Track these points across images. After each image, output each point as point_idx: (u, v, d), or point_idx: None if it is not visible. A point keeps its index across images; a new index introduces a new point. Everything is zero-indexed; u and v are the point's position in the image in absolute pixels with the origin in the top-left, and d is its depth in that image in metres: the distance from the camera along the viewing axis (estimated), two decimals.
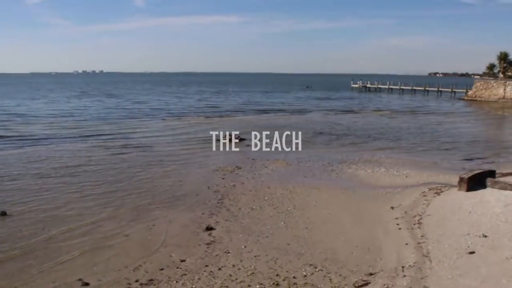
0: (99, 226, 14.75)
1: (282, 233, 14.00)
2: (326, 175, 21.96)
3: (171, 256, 12.30)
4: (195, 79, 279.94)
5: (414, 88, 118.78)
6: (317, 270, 11.32)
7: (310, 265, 11.62)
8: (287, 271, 11.25)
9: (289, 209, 16.35)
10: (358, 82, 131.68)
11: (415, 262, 11.50)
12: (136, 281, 10.83)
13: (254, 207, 16.59)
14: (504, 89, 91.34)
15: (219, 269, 11.43)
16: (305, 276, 10.99)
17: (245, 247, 12.86)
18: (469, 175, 18.58)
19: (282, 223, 14.85)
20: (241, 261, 11.91)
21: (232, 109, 62.56)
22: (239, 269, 11.41)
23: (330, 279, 10.79)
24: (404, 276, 10.75)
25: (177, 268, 11.53)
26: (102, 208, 16.56)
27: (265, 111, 59.60)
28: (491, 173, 19.73)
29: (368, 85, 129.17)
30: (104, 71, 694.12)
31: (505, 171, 22.90)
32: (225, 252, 12.52)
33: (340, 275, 11.00)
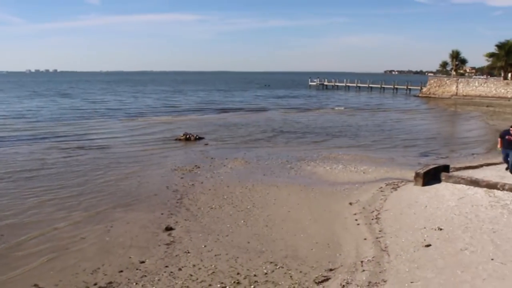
0: (58, 231, 14.31)
1: (242, 231, 14.00)
2: (285, 173, 22.09)
3: (130, 257, 12.12)
4: (152, 78, 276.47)
5: (370, 85, 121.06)
6: (278, 267, 11.37)
7: (271, 262, 11.67)
8: (247, 269, 11.26)
9: (248, 207, 16.36)
10: (316, 80, 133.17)
11: (373, 257, 11.71)
12: (95, 284, 10.61)
13: (213, 206, 16.52)
14: (457, 86, 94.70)
15: (179, 269, 11.33)
16: (266, 273, 11.03)
17: (205, 246, 12.79)
18: (425, 170, 19.05)
19: (242, 221, 14.85)
20: (201, 260, 11.84)
21: (190, 108, 62.11)
22: (200, 268, 11.35)
23: (291, 276, 10.87)
24: (363, 270, 10.93)
25: (137, 269, 11.37)
26: (61, 213, 16.10)
27: (223, 110, 59.45)
28: (446, 168, 20.31)
29: (326, 83, 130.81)
30: (58, 70, 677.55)
31: (458, 166, 23.61)
32: (185, 252, 12.42)
33: (301, 272, 11.09)
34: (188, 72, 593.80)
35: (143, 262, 11.81)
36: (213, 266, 11.48)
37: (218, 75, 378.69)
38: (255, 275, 10.92)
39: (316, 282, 10.50)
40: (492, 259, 10.97)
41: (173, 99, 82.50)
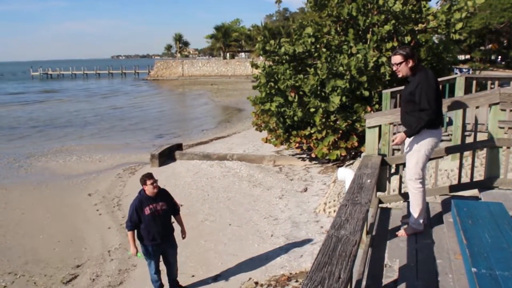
0: None
1: None
2: (14, 173, 20.18)
3: None
4: None
5: (98, 72, 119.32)
6: (19, 276, 10.39)
7: (10, 273, 10.57)
8: None
9: None
10: (39, 69, 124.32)
11: (120, 244, 11.65)
12: None
13: None
14: (182, 68, 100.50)
15: None
16: (5, 287, 9.96)
17: None
18: (159, 151, 19.69)
19: None
20: None
21: None
22: None
23: (35, 282, 10.05)
24: (112, 259, 10.79)
25: None
26: None
27: None
28: (179, 146, 21.34)
29: (50, 72, 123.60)
30: None
31: (191, 143, 25.08)
32: None
33: (46, 275, 10.34)
34: None
35: None
36: None
37: None
38: None
39: (64, 283, 9.94)
40: (230, 224, 12.01)
41: None
